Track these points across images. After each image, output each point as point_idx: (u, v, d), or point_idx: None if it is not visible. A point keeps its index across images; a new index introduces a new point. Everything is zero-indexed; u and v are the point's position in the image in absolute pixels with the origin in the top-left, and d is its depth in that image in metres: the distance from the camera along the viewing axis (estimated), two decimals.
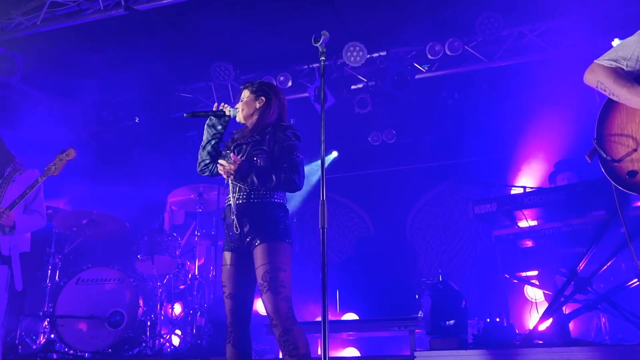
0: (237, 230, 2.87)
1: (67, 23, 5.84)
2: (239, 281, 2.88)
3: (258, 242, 2.82)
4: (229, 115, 3.14)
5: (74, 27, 5.90)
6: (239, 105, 3.13)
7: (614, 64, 2.43)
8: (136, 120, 7.88)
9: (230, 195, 2.94)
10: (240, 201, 2.89)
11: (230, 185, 2.94)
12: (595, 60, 2.52)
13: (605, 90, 2.40)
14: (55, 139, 7.61)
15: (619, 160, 2.25)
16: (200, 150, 3.19)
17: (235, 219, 2.88)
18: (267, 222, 2.86)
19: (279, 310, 2.70)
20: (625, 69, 2.40)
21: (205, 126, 3.19)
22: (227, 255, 2.92)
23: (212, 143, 3.16)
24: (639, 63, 2.39)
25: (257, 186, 2.86)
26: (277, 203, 2.94)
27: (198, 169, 3.22)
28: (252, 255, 2.84)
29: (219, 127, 3.18)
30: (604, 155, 2.30)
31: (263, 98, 3.11)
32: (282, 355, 2.73)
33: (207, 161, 3.17)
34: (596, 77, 2.45)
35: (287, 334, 2.68)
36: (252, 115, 3.10)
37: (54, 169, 3.97)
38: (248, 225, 2.85)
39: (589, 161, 2.38)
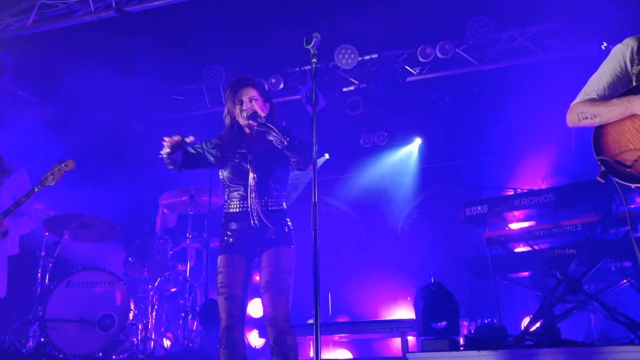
0: (254, 235, 2.91)
1: (57, 25, 5.80)
2: (239, 284, 2.89)
3: (270, 246, 2.89)
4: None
5: (64, 29, 5.86)
6: (245, 105, 3.00)
7: (587, 97, 2.68)
8: (128, 123, 7.86)
9: (249, 201, 2.91)
10: (260, 207, 2.91)
11: (250, 190, 2.92)
12: (570, 104, 2.76)
13: (586, 118, 2.63)
14: (44, 142, 7.57)
15: (631, 166, 2.45)
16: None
17: (257, 223, 2.89)
18: (280, 227, 2.93)
19: (280, 311, 2.75)
20: (597, 98, 2.65)
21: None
22: (229, 258, 2.92)
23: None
24: (605, 92, 2.64)
25: (280, 139, 2.83)
26: (285, 210, 3.02)
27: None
28: (260, 258, 2.91)
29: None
30: (619, 162, 2.48)
31: (268, 104, 3.12)
32: (272, 356, 2.73)
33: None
34: (576, 112, 2.68)
35: (283, 335, 2.72)
36: None
37: (51, 179, 3.94)
38: (267, 231, 2.89)
39: (603, 181, 2.56)
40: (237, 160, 2.99)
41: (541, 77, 6.53)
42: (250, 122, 2.95)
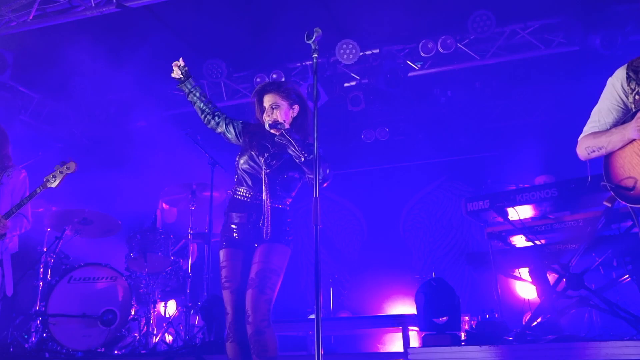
0: (253, 229, 2.92)
1: (58, 20, 5.79)
2: (243, 277, 2.90)
3: (265, 241, 2.89)
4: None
5: (65, 25, 5.85)
6: (267, 114, 3.02)
7: (590, 131, 2.80)
8: (129, 119, 7.85)
9: (264, 194, 2.94)
10: (269, 202, 2.93)
11: (264, 183, 2.95)
12: (578, 139, 2.88)
13: (594, 151, 2.76)
14: (46, 138, 7.57)
15: (633, 188, 2.58)
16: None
17: (263, 218, 2.91)
18: (281, 225, 2.94)
19: (259, 309, 2.75)
20: (599, 131, 2.76)
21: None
22: (232, 252, 2.95)
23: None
24: (608, 127, 2.72)
25: (298, 154, 2.84)
26: (287, 210, 3.03)
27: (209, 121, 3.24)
28: (254, 252, 2.90)
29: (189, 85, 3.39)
30: (622, 186, 2.62)
31: (297, 107, 3.08)
32: (251, 353, 2.74)
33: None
34: (583, 146, 2.80)
35: (259, 334, 2.72)
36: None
37: (53, 181, 3.95)
38: (270, 227, 2.90)
39: (610, 206, 2.79)
40: (255, 152, 3.01)
41: (543, 72, 6.51)
42: (272, 130, 2.95)
